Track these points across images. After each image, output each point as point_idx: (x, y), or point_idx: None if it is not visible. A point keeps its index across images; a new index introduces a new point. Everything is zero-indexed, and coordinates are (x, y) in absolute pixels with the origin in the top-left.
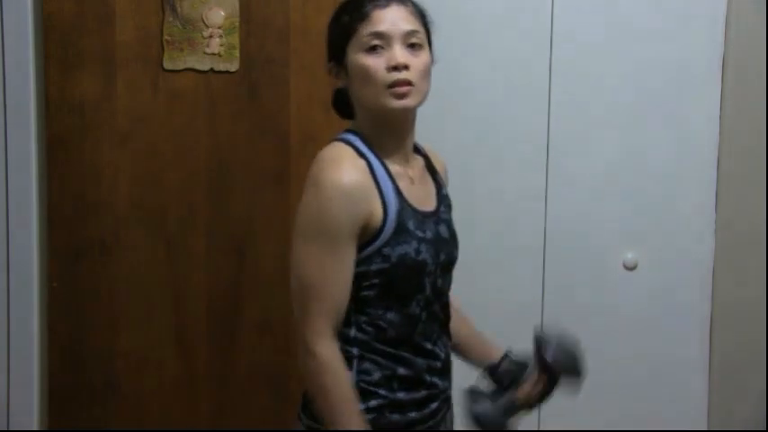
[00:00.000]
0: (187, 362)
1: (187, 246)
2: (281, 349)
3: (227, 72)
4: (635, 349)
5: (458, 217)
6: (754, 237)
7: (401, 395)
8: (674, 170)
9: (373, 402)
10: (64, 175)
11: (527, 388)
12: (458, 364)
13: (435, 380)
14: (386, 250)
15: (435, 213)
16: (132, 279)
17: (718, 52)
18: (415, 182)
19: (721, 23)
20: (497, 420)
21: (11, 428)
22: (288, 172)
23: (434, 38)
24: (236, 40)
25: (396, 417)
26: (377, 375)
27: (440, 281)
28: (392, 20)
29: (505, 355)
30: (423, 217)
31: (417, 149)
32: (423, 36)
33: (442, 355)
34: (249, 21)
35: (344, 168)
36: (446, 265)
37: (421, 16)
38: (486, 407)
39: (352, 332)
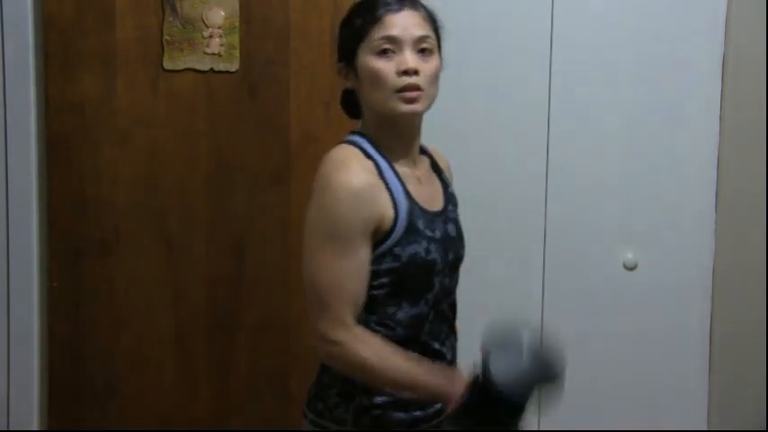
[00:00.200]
0: (187, 362)
1: (187, 246)
2: (281, 349)
3: (227, 72)
4: (635, 349)
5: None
6: (754, 237)
7: (407, 393)
8: (674, 170)
9: (379, 400)
10: (64, 175)
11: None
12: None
13: None
14: (396, 250)
15: (443, 212)
16: (132, 279)
17: (718, 52)
18: (422, 182)
19: (721, 23)
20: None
21: (11, 428)
22: (288, 172)
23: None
24: (236, 40)
25: (400, 415)
26: None
27: (447, 280)
28: (404, 25)
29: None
30: (431, 216)
31: (422, 150)
32: (433, 41)
33: (449, 355)
34: (249, 21)
35: (354, 170)
36: (454, 264)
37: (432, 21)
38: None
39: None
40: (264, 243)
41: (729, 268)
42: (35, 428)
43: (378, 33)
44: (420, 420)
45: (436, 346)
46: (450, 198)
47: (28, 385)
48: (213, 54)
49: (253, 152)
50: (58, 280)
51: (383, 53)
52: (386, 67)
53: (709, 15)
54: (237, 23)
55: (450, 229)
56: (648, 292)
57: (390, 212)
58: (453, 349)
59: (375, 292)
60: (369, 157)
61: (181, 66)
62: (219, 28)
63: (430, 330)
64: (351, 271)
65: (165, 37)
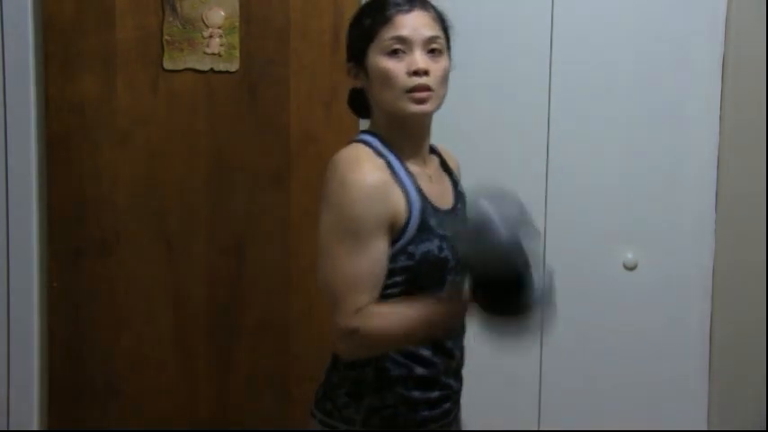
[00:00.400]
0: (187, 362)
1: (187, 246)
2: (281, 349)
3: (227, 72)
4: (635, 349)
5: None
6: (754, 237)
7: (416, 394)
8: (674, 170)
9: (389, 399)
10: (64, 175)
11: None
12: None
13: (450, 381)
14: (410, 248)
15: (453, 210)
16: (132, 279)
17: (718, 52)
18: (433, 180)
19: (721, 23)
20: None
21: (11, 428)
22: (288, 172)
23: None
24: (236, 40)
25: (408, 414)
26: (395, 373)
27: (458, 277)
28: (414, 25)
29: None
30: (443, 214)
31: (432, 149)
32: (443, 42)
33: (458, 354)
34: (249, 21)
35: (367, 168)
36: None
37: (442, 22)
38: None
39: None
40: (264, 243)
41: (729, 268)
42: (35, 428)
43: (388, 34)
44: (428, 420)
45: (449, 344)
46: (459, 196)
47: (28, 385)
48: (213, 54)
49: (253, 152)
50: (58, 280)
51: (393, 53)
52: (396, 67)
53: (709, 15)
54: (237, 23)
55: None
56: (648, 292)
57: (404, 210)
58: (462, 350)
59: (389, 291)
60: (380, 155)
61: (181, 66)
62: (219, 28)
63: None
64: (365, 268)
65: (165, 37)
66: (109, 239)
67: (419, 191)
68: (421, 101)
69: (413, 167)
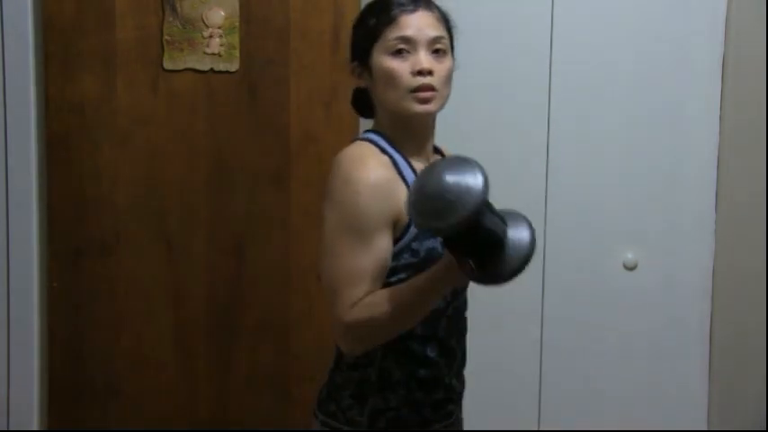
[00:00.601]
0: (187, 362)
1: (187, 246)
2: (280, 349)
3: (227, 72)
4: (635, 350)
5: None
6: (754, 237)
7: (419, 395)
8: (674, 170)
9: (392, 400)
10: (64, 175)
11: None
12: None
13: (453, 382)
14: (414, 245)
15: None
16: (132, 279)
17: (718, 52)
18: None
19: (721, 23)
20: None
21: (11, 428)
22: (288, 172)
23: None
24: (236, 40)
25: (412, 416)
26: (397, 374)
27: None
28: (418, 25)
29: None
30: None
31: (436, 149)
32: (447, 42)
33: (460, 354)
34: (249, 21)
35: (371, 165)
36: None
37: (445, 22)
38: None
39: None
40: (264, 243)
41: (729, 268)
42: (35, 428)
43: (392, 33)
44: (432, 421)
45: (452, 343)
46: None
47: (28, 385)
48: (213, 54)
49: (253, 152)
50: (58, 280)
51: (398, 53)
52: (400, 67)
53: (709, 15)
54: (237, 23)
55: None
56: (648, 292)
57: None
58: (464, 351)
59: None
60: (385, 153)
61: (181, 66)
62: (219, 28)
63: (447, 326)
64: (367, 264)
65: (165, 37)
66: (109, 239)
67: None
68: (425, 101)
69: (417, 165)
